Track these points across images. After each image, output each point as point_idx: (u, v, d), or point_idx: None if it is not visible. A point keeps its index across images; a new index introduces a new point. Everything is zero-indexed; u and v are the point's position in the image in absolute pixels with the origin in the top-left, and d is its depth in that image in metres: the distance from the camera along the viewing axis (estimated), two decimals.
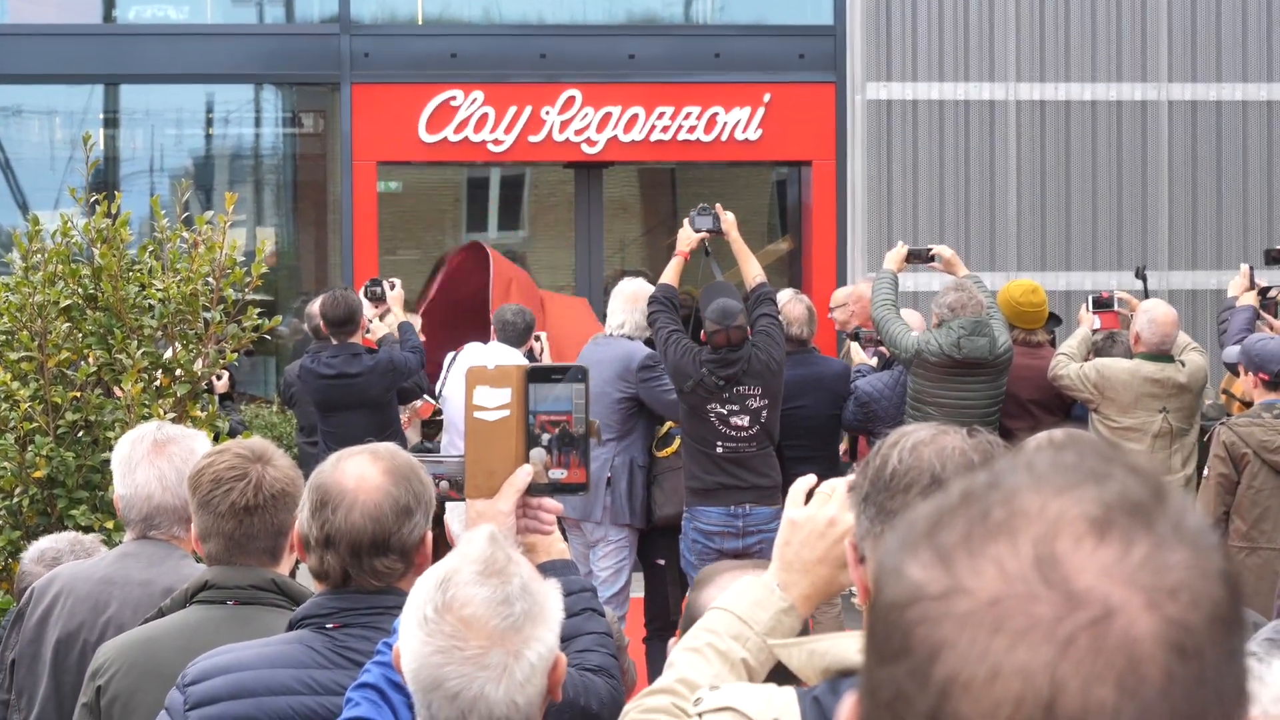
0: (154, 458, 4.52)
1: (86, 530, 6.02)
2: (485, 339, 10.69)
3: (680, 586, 9.33)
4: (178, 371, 6.78)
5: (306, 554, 3.47)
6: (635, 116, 14.49)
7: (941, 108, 14.53)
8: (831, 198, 14.64)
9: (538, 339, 10.96)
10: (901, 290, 10.38)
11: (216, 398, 9.41)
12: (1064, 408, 9.94)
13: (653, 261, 15.45)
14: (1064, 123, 14.64)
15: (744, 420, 9.12)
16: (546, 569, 3.17)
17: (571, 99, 14.44)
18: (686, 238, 9.58)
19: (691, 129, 14.53)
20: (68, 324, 6.77)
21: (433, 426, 11.55)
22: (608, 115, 14.45)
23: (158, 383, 6.77)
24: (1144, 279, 11.61)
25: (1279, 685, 2.49)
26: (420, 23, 15.20)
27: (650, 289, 9.69)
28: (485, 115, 14.36)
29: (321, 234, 15.73)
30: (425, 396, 11.18)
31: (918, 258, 10.31)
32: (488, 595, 2.67)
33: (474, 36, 14.89)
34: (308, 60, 14.62)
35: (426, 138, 14.33)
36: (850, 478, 2.82)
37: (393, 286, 11.23)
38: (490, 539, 2.76)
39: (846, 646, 2.50)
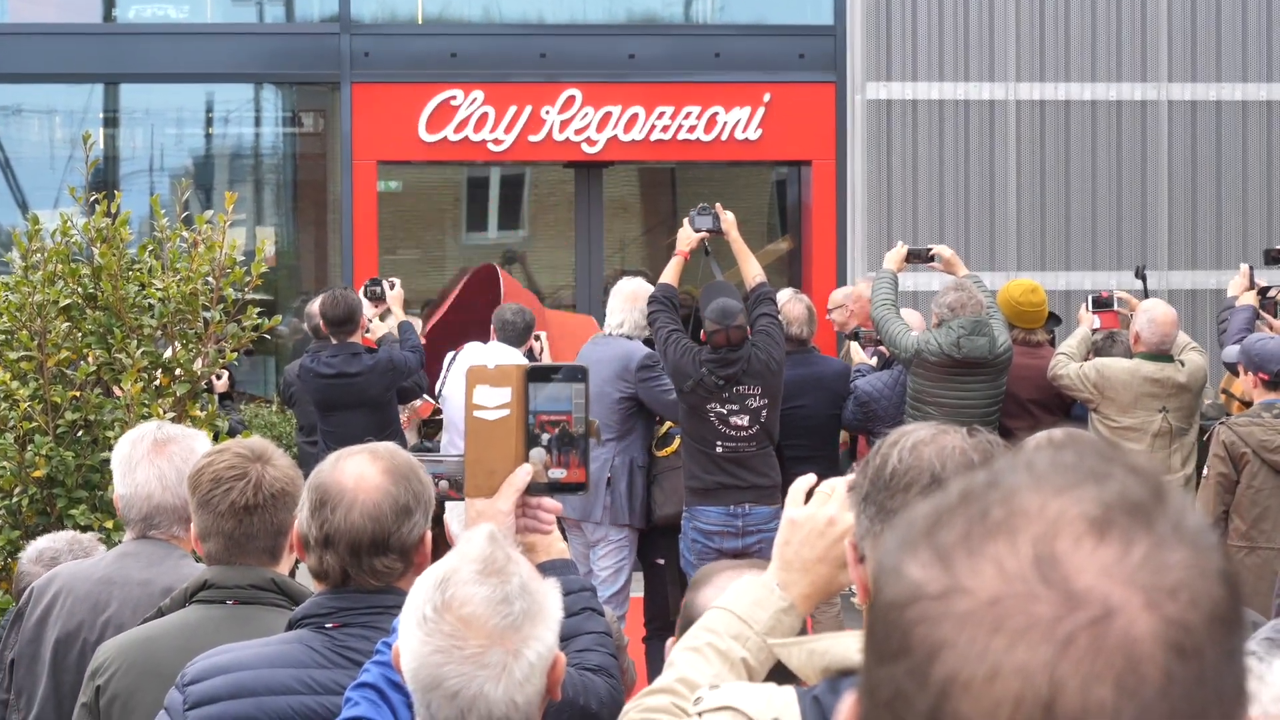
0: (154, 457, 4.52)
1: (85, 530, 6.02)
2: (485, 339, 10.69)
3: (680, 586, 9.32)
4: (177, 371, 6.78)
5: (306, 553, 3.47)
6: (635, 116, 14.49)
7: (941, 107, 14.53)
8: (831, 197, 14.64)
9: (537, 339, 10.96)
10: (901, 290, 10.39)
11: (216, 397, 9.42)
12: (1063, 407, 9.95)
13: (653, 261, 15.45)
14: (1064, 123, 14.64)
15: (744, 420, 9.12)
16: (546, 568, 3.18)
17: (571, 98, 14.44)
18: (686, 237, 9.58)
19: (691, 129, 14.54)
20: (67, 323, 6.77)
21: (432, 426, 11.55)
22: (608, 115, 14.46)
23: (157, 382, 6.77)
24: (1144, 279, 11.61)
25: (1279, 684, 2.49)
26: (420, 22, 15.20)
27: (649, 288, 9.69)
28: (485, 115, 14.36)
29: (321, 233, 15.73)
30: (425, 396, 11.18)
31: (917, 257, 10.31)
32: (487, 594, 2.67)
33: (474, 36, 14.89)
34: (308, 60, 14.62)
35: (426, 137, 14.33)
36: (850, 477, 2.82)
37: (392, 286, 11.23)
38: (490, 538, 2.76)
39: (846, 646, 2.50)
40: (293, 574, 4.06)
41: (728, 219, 9.61)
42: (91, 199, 7.07)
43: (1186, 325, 11.58)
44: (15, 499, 6.60)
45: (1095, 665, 1.11)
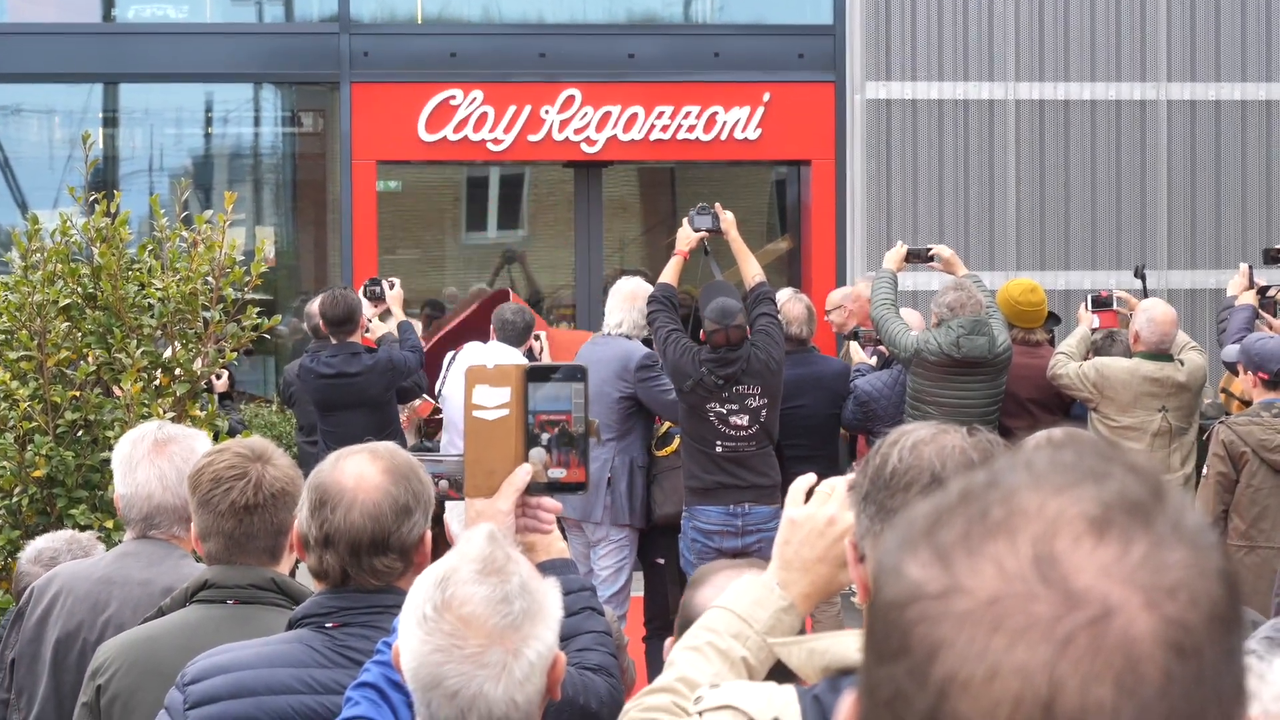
0: (154, 457, 4.52)
1: (85, 529, 6.02)
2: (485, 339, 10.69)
3: (680, 585, 9.32)
4: (177, 371, 6.78)
5: (306, 553, 3.47)
6: (634, 116, 14.49)
7: (941, 107, 14.53)
8: (831, 197, 14.64)
9: (537, 338, 10.96)
10: (901, 290, 10.39)
11: (216, 397, 9.42)
12: (1063, 407, 9.95)
13: (652, 261, 15.45)
14: (1063, 122, 14.64)
15: (743, 419, 9.13)
16: (545, 568, 3.18)
17: (571, 98, 14.44)
18: (686, 237, 9.58)
19: (691, 128, 14.54)
20: (67, 323, 6.77)
21: (433, 425, 11.54)
22: (607, 114, 14.46)
23: (157, 382, 6.77)
24: (1143, 278, 11.61)
25: (1279, 683, 2.49)
26: (420, 22, 15.19)
27: (648, 287, 9.70)
28: (485, 114, 14.36)
29: (321, 233, 15.72)
30: (424, 395, 11.18)
31: (917, 257, 10.31)
32: (487, 594, 2.68)
33: (473, 36, 14.89)
34: (307, 59, 14.62)
35: (426, 137, 14.33)
36: (850, 476, 2.83)
37: (392, 286, 11.23)
38: (489, 538, 2.76)
39: (846, 645, 2.50)
40: (293, 574, 4.06)
41: (727, 219, 9.61)
42: (91, 199, 7.07)
43: (1186, 325, 11.59)
44: (15, 499, 6.60)
45: (1094, 665, 1.11)
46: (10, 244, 7.17)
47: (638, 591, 9.92)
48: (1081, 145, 14.66)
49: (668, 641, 3.30)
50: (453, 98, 14.32)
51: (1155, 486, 1.19)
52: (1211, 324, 13.17)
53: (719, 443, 9.14)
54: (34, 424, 6.63)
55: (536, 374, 3.26)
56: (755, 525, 9.11)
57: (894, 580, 1.19)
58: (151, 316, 6.80)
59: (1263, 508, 8.83)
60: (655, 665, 8.20)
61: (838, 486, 2.91)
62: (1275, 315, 10.61)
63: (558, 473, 3.25)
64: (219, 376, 9.97)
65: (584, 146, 14.49)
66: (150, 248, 6.98)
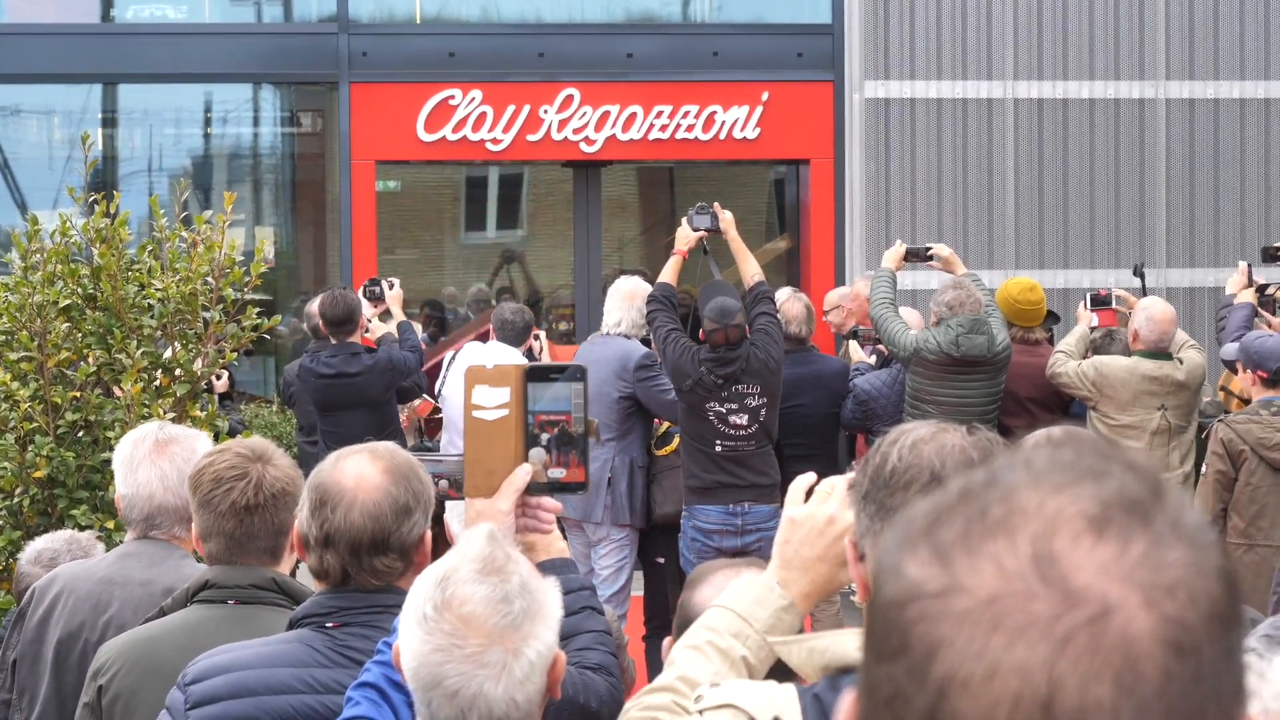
0: (156, 458, 4.53)
1: (86, 530, 6.02)
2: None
3: (679, 585, 9.32)
4: (177, 371, 6.78)
5: (306, 553, 3.47)
6: (633, 115, 14.49)
7: (939, 106, 14.54)
8: (830, 196, 14.65)
9: (537, 338, 10.96)
10: (900, 289, 10.39)
11: (216, 397, 9.42)
12: (1062, 405, 9.96)
13: (651, 260, 15.46)
14: (1062, 121, 14.65)
15: (743, 419, 9.13)
16: (545, 567, 3.19)
17: (570, 98, 14.44)
18: (685, 236, 9.58)
19: (690, 127, 14.54)
20: (67, 324, 6.77)
21: (432, 425, 11.54)
22: (606, 114, 14.46)
23: (157, 382, 6.78)
24: (1142, 276, 11.61)
25: None
26: (418, 22, 15.19)
27: (646, 287, 9.70)
28: (483, 114, 14.36)
29: (320, 233, 15.73)
30: (424, 395, 11.18)
31: (916, 256, 10.32)
32: (487, 593, 2.68)
33: (472, 35, 14.89)
34: (306, 59, 14.62)
35: (425, 137, 14.33)
36: (850, 475, 2.83)
37: (391, 286, 11.24)
38: (489, 537, 2.76)
39: (846, 644, 2.50)
40: (293, 574, 4.06)
41: (726, 218, 9.61)
42: (90, 199, 7.07)
43: (1185, 323, 11.60)
44: (16, 499, 6.60)
45: (1093, 663, 1.11)
46: (10, 245, 7.17)
47: (638, 591, 9.93)
48: (1080, 144, 14.67)
49: (666, 641, 3.30)
50: (451, 98, 14.33)
51: (1154, 485, 1.19)
52: (1210, 322, 13.18)
53: (718, 442, 9.14)
54: (35, 425, 6.63)
55: (536, 374, 3.27)
56: (755, 524, 9.12)
57: (893, 579, 1.19)
58: (151, 317, 6.80)
59: (1261, 506, 8.83)
60: (655, 664, 8.21)
61: (837, 485, 2.91)
62: (1274, 313, 10.62)
63: (557, 473, 3.26)
64: (219, 377, 9.98)
65: (583, 146, 14.50)
66: (150, 248, 6.99)
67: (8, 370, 6.65)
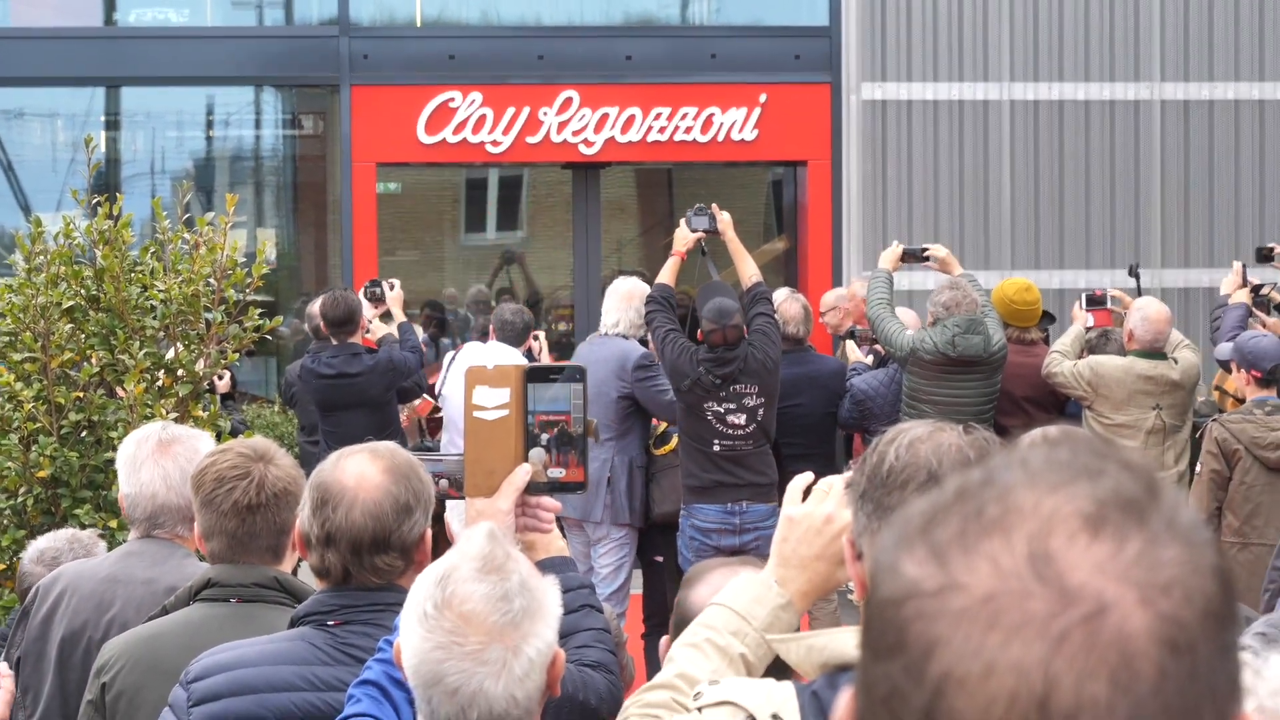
0: (159, 457, 4.53)
1: (88, 529, 6.03)
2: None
3: (678, 583, 9.32)
4: (180, 372, 6.79)
5: (308, 552, 3.47)
6: (632, 117, 14.50)
7: (936, 108, 14.55)
8: (827, 197, 14.66)
9: (536, 338, 10.97)
10: (896, 289, 10.41)
11: (218, 397, 9.42)
12: (1058, 405, 9.96)
13: (650, 261, 15.46)
14: (1057, 122, 14.67)
15: (741, 419, 9.14)
16: (545, 566, 3.20)
17: (569, 100, 14.45)
18: (683, 238, 9.59)
19: (688, 129, 14.55)
20: (71, 325, 6.77)
21: (433, 424, 11.55)
22: (605, 116, 14.47)
23: (160, 383, 6.78)
24: (1137, 277, 11.63)
25: (1278, 679, 2.49)
26: (419, 25, 15.20)
27: (644, 287, 9.71)
28: (483, 116, 14.37)
29: (321, 235, 15.73)
30: (424, 395, 11.19)
31: (913, 257, 10.32)
32: (487, 591, 2.68)
33: (472, 38, 14.90)
34: (307, 62, 14.62)
35: (425, 139, 14.34)
36: (847, 474, 2.84)
37: (392, 287, 11.24)
38: (489, 536, 2.76)
39: (844, 641, 2.51)
40: (295, 572, 4.07)
41: (724, 219, 9.61)
42: (93, 201, 7.08)
43: (1180, 323, 11.61)
44: (20, 499, 6.61)
45: (1089, 661, 1.11)
46: (14, 247, 7.18)
47: (637, 589, 9.94)
48: (1076, 145, 14.69)
49: (663, 641, 3.32)
50: (452, 100, 14.34)
51: (1150, 484, 1.19)
52: (1205, 322, 13.19)
53: (716, 441, 9.16)
54: (38, 425, 6.64)
55: (536, 375, 3.28)
56: (752, 523, 9.13)
57: (890, 578, 1.19)
58: (154, 318, 6.81)
59: (1256, 504, 8.84)
60: (654, 662, 8.24)
61: (835, 484, 2.92)
62: (1268, 313, 10.64)
63: (557, 472, 3.28)
64: (221, 377, 9.97)
65: (582, 148, 14.51)
66: (152, 250, 6.99)
67: (12, 371, 6.66)
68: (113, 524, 6.35)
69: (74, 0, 15.22)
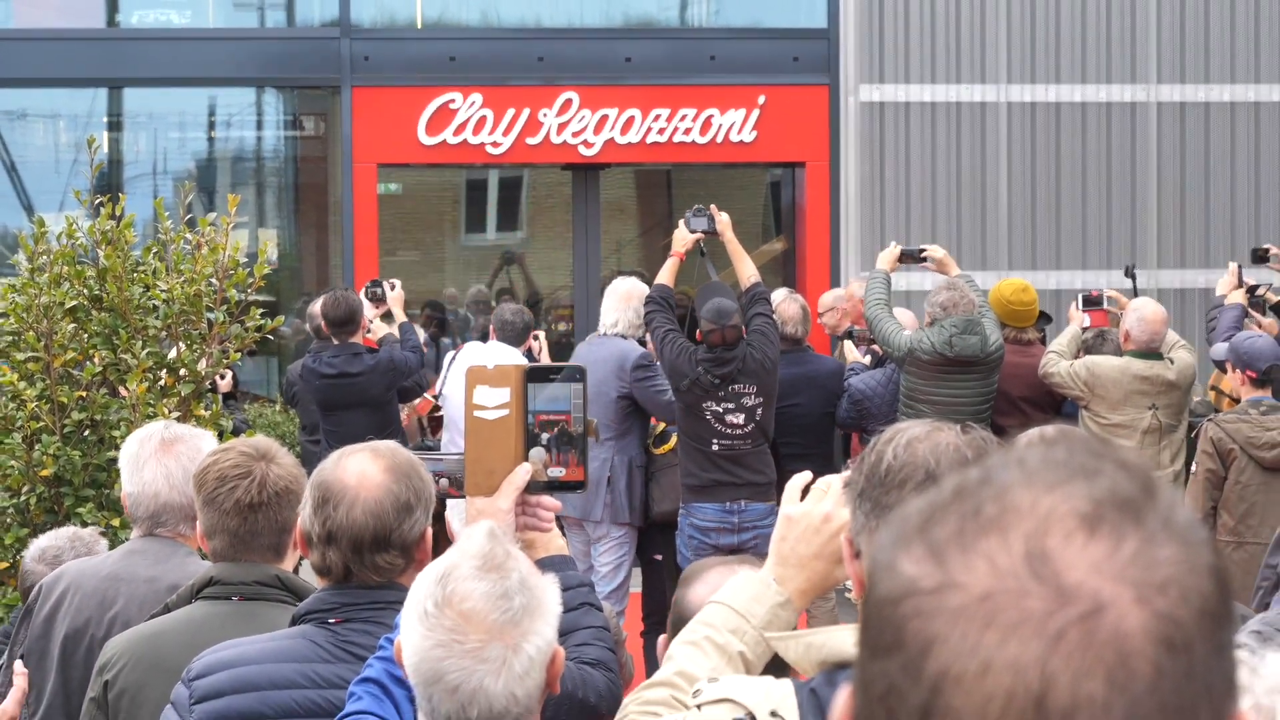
0: (161, 456, 4.54)
1: (89, 527, 6.05)
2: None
3: (677, 581, 9.34)
4: (182, 371, 6.80)
5: (309, 550, 3.48)
6: (632, 118, 14.51)
7: (934, 109, 14.57)
8: (825, 198, 14.66)
9: (536, 338, 10.98)
10: (894, 289, 10.42)
11: (220, 397, 9.43)
12: (1054, 405, 9.97)
13: (649, 262, 15.47)
14: (1054, 124, 14.68)
15: (739, 418, 9.15)
16: (544, 564, 3.21)
17: (569, 101, 14.46)
18: (682, 238, 9.59)
19: (687, 131, 14.55)
20: (73, 325, 6.78)
21: (433, 423, 11.55)
22: (604, 117, 14.48)
23: (162, 382, 6.79)
24: (1133, 277, 11.65)
25: (1274, 677, 2.49)
26: (419, 26, 15.19)
27: (643, 288, 9.72)
28: (484, 118, 14.37)
29: (322, 235, 15.74)
30: (424, 395, 11.20)
31: (910, 257, 10.33)
32: (487, 590, 2.69)
33: (472, 40, 14.89)
34: (308, 64, 14.62)
35: (426, 140, 14.34)
36: (845, 474, 2.85)
37: (393, 287, 11.25)
38: (489, 535, 2.77)
39: (842, 639, 2.52)
40: (296, 570, 4.08)
41: (723, 220, 9.61)
42: (96, 202, 7.09)
43: (1176, 323, 11.62)
44: (23, 497, 6.61)
45: (1086, 660, 1.11)
46: (17, 247, 7.19)
47: (636, 587, 9.95)
48: (1072, 147, 14.70)
49: (661, 639, 3.34)
50: (452, 101, 14.34)
51: (1146, 483, 1.19)
52: (1201, 323, 13.22)
53: (715, 441, 9.17)
54: (41, 424, 6.65)
55: (536, 374, 3.29)
56: (751, 522, 9.14)
57: (888, 576, 1.19)
58: (156, 318, 6.82)
59: (1251, 504, 8.85)
60: (653, 660, 8.25)
61: (833, 484, 2.93)
62: (1264, 314, 10.66)
63: (557, 472, 3.29)
64: (223, 377, 9.97)
65: (581, 149, 14.51)
66: (155, 250, 7.00)
67: (15, 370, 6.68)
68: (115, 522, 6.36)
69: (76, 1, 15.21)
